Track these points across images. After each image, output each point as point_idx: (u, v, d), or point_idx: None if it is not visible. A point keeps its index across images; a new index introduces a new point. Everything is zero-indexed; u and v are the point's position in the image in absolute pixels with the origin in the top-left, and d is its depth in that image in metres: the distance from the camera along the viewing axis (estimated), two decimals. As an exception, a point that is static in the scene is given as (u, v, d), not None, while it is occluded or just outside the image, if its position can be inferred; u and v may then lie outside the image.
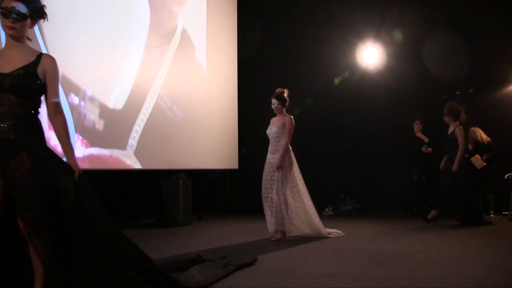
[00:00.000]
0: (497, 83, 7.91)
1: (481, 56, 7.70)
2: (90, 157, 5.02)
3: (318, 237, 4.94)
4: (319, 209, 7.88)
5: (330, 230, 5.15)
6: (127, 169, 5.69)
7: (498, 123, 7.62)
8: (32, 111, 2.30)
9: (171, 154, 6.38)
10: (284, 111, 5.03)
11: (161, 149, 6.21)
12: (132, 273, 2.30)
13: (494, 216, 7.01)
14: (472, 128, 7.32)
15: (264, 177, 4.95)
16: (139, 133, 5.79)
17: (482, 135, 7.26)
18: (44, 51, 4.37)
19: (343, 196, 7.95)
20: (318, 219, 5.02)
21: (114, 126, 5.40)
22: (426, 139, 7.18)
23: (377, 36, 8.28)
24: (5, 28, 2.26)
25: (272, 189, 4.83)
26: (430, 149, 7.05)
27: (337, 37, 8.38)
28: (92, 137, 5.03)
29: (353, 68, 8.46)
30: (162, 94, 6.25)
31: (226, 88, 8.00)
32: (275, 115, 5.09)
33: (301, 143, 8.18)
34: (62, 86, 4.63)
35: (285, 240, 4.80)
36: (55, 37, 4.57)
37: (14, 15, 2.23)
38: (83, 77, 4.95)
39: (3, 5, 2.23)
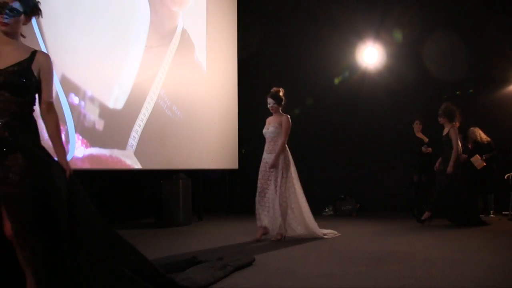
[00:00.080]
0: (497, 83, 7.91)
1: (481, 56, 7.71)
2: (90, 157, 5.02)
3: (317, 237, 4.94)
4: (319, 209, 7.94)
5: (325, 231, 5.12)
6: (127, 169, 5.69)
7: (498, 123, 7.62)
8: (27, 109, 2.26)
9: (171, 154, 6.38)
10: (280, 111, 5.01)
11: (161, 149, 6.21)
12: (129, 273, 2.28)
13: (494, 216, 7.01)
14: (471, 128, 7.33)
15: (260, 176, 4.93)
16: (139, 133, 5.79)
17: (481, 135, 7.27)
18: (44, 51, 4.37)
19: (343, 196, 7.95)
20: (313, 220, 4.99)
21: (114, 126, 5.40)
22: (426, 139, 7.17)
23: (377, 36, 8.29)
24: None
25: (269, 189, 4.81)
26: (430, 149, 7.05)
27: (337, 37, 8.38)
28: (92, 137, 5.03)
29: (353, 68, 8.46)
30: (162, 94, 6.25)
31: (226, 88, 8.00)
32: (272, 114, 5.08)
33: (301, 143, 8.21)
34: (62, 86, 4.64)
35: (285, 240, 4.79)
36: (55, 37, 4.57)
37: (7, 11, 2.19)
38: (83, 77, 4.95)
39: None
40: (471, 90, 7.91)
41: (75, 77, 4.84)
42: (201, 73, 7.24)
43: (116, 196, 6.58)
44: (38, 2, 2.36)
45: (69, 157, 4.65)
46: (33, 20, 4.21)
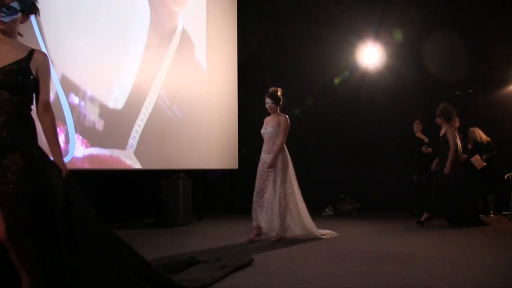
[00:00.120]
0: (497, 83, 7.92)
1: (481, 56, 7.71)
2: (90, 157, 5.02)
3: (317, 237, 4.93)
4: (319, 209, 7.94)
5: (323, 231, 5.10)
6: (127, 169, 5.69)
7: (498, 123, 7.62)
8: (24, 108, 2.25)
9: (171, 154, 6.38)
10: (278, 110, 4.98)
11: (161, 149, 6.21)
12: (126, 272, 2.27)
13: (494, 216, 7.01)
14: (471, 128, 7.33)
15: (258, 176, 4.89)
16: (139, 133, 5.79)
17: (481, 135, 7.27)
18: (44, 51, 4.36)
19: (343, 196, 7.95)
20: (310, 220, 4.97)
21: (114, 126, 5.40)
22: (426, 139, 7.18)
23: (377, 36, 8.29)
24: None
25: (267, 189, 4.79)
26: (430, 149, 7.05)
27: (337, 37, 8.39)
28: (92, 137, 5.03)
29: (353, 68, 8.46)
30: (162, 94, 6.25)
31: (226, 88, 8.00)
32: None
33: (301, 143, 8.21)
34: (62, 86, 4.64)
35: (285, 240, 4.79)
36: (55, 37, 4.57)
37: (4, 10, 2.18)
38: (83, 77, 4.94)
39: None
40: (471, 90, 7.91)
41: (75, 77, 4.84)
42: (201, 73, 7.24)
43: (116, 196, 6.58)
44: (36, 0, 2.34)
45: (69, 157, 4.66)
46: (33, 20, 4.24)
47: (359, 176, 8.11)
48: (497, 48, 7.70)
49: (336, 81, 8.51)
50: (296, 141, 8.03)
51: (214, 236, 5.44)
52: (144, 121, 5.89)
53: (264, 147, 4.97)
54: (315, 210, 7.77)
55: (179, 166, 6.53)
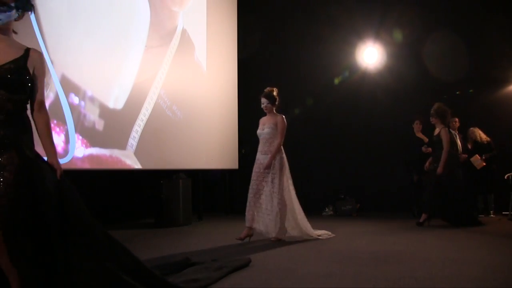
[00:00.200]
0: (497, 83, 7.92)
1: (481, 56, 7.71)
2: (90, 157, 5.02)
3: (317, 238, 4.93)
4: (319, 209, 7.95)
5: (319, 232, 5.06)
6: (127, 169, 5.69)
7: (498, 123, 7.62)
8: (21, 107, 2.23)
9: (171, 154, 6.38)
10: (274, 111, 4.94)
11: (161, 149, 6.21)
12: (120, 273, 2.25)
13: (494, 216, 7.01)
14: (471, 128, 7.34)
15: (254, 178, 4.84)
16: (139, 133, 5.79)
17: (481, 135, 7.28)
18: (44, 51, 4.37)
19: (343, 196, 7.95)
20: (306, 221, 4.94)
21: (114, 126, 5.40)
22: (426, 139, 7.17)
23: (377, 36, 8.29)
24: None
25: (264, 190, 4.75)
26: (430, 149, 7.04)
27: (337, 37, 8.39)
28: (92, 137, 5.03)
29: (353, 68, 8.46)
30: (162, 94, 6.25)
31: (226, 88, 8.00)
32: None
33: (301, 143, 8.22)
34: (62, 86, 4.64)
35: (285, 240, 4.79)
36: (55, 37, 4.57)
37: None
38: (83, 77, 4.95)
39: None
40: (471, 90, 7.91)
41: (75, 77, 4.84)
42: (201, 73, 7.24)
43: (116, 196, 6.59)
44: None
45: (69, 157, 4.67)
46: (33, 20, 4.25)
47: (359, 176, 8.11)
48: (497, 48, 7.70)
49: (336, 81, 8.51)
50: (296, 141, 8.05)
51: (214, 236, 5.44)
52: (144, 121, 5.89)
53: (260, 148, 4.92)
54: (315, 210, 7.81)
55: (179, 166, 6.53)
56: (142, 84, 5.90)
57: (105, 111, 5.25)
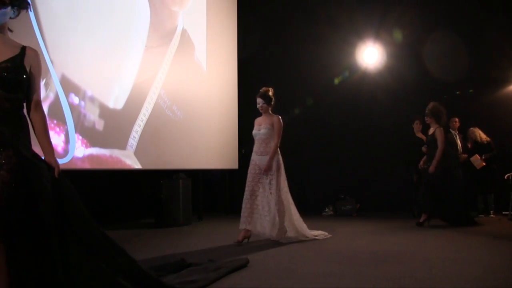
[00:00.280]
0: (497, 83, 7.92)
1: (481, 56, 7.71)
2: (90, 157, 5.02)
3: (314, 238, 4.91)
4: (319, 209, 7.95)
5: (316, 232, 5.03)
6: (127, 169, 5.69)
7: (498, 123, 7.62)
8: (18, 106, 2.21)
9: (171, 154, 6.38)
10: (270, 111, 4.88)
11: (161, 149, 6.21)
12: (115, 275, 2.24)
13: (494, 216, 7.01)
14: (471, 128, 7.34)
15: (250, 179, 4.77)
16: (139, 133, 5.79)
17: (481, 135, 7.28)
18: (44, 51, 4.38)
19: (343, 196, 7.95)
20: (301, 222, 4.92)
21: (114, 126, 5.40)
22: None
23: (377, 36, 8.29)
24: None
25: (259, 192, 4.70)
26: (430, 149, 7.05)
27: (337, 37, 8.39)
28: (92, 137, 5.04)
29: (353, 68, 8.47)
30: (162, 94, 6.25)
31: (226, 88, 8.00)
32: None
33: (301, 143, 8.22)
34: (62, 86, 4.64)
35: (284, 240, 4.78)
36: (55, 37, 4.57)
37: None
38: (83, 77, 4.95)
39: None
40: (471, 90, 7.91)
41: (75, 77, 4.84)
42: (201, 73, 7.25)
43: (116, 196, 6.59)
44: None
45: (69, 157, 4.67)
46: (33, 20, 4.25)
47: (359, 176, 8.11)
48: (497, 48, 7.70)
49: (336, 81, 8.52)
50: (296, 141, 8.06)
51: (214, 236, 5.44)
52: (144, 121, 5.90)
53: (256, 149, 4.84)
54: (315, 210, 7.82)
55: (179, 166, 6.53)
56: (142, 84, 5.91)
57: (105, 111, 5.25)
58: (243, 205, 4.76)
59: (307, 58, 8.52)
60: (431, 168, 5.90)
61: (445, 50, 7.80)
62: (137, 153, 5.74)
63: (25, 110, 2.28)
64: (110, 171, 5.60)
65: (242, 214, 4.74)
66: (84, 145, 4.92)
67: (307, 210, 7.01)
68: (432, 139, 6.08)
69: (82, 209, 2.28)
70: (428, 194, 5.97)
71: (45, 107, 4.28)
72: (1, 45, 2.18)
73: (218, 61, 7.75)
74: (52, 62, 4.51)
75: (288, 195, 4.86)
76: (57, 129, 4.56)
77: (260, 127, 4.84)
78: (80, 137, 4.88)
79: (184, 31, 6.80)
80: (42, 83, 4.35)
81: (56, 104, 4.56)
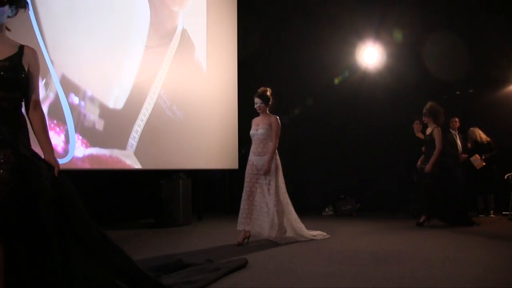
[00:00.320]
0: (497, 83, 7.92)
1: (481, 56, 7.71)
2: (90, 157, 5.02)
3: (312, 238, 4.90)
4: (319, 209, 7.94)
5: (314, 232, 5.03)
6: (127, 169, 5.69)
7: (498, 123, 7.62)
8: (16, 105, 2.20)
9: (171, 154, 6.38)
10: (267, 111, 4.84)
11: (161, 149, 6.21)
12: (111, 275, 2.24)
13: (494, 216, 7.01)
14: (471, 128, 7.35)
15: (247, 179, 4.75)
16: (139, 133, 5.79)
17: (481, 135, 7.28)
18: (44, 51, 4.38)
19: (343, 196, 7.95)
20: (299, 221, 4.91)
21: (114, 126, 5.40)
22: (426, 139, 7.17)
23: (377, 36, 8.29)
24: None
25: (257, 192, 4.69)
26: (429, 149, 7.04)
27: (337, 37, 8.39)
28: (92, 137, 5.03)
29: (353, 68, 8.47)
30: (162, 94, 6.25)
31: (226, 88, 8.00)
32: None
33: (301, 143, 8.22)
34: (62, 86, 4.64)
35: (283, 241, 4.77)
36: (55, 37, 4.57)
37: None
38: (83, 77, 4.94)
39: None
40: (471, 90, 7.91)
41: (75, 77, 4.84)
42: (201, 73, 7.25)
43: (116, 196, 6.58)
44: None
45: (69, 157, 4.67)
46: (33, 20, 4.25)
47: (359, 176, 8.11)
48: (497, 48, 7.71)
49: (336, 81, 8.52)
50: (296, 141, 8.05)
51: (214, 236, 5.44)
52: (144, 121, 5.90)
53: (253, 149, 4.81)
54: (315, 210, 7.82)
55: (179, 166, 6.53)
56: (142, 84, 5.91)
57: (105, 111, 5.25)
58: (241, 206, 4.74)
59: (307, 58, 8.52)
60: (428, 167, 5.90)
61: (445, 50, 7.80)
62: (137, 153, 5.74)
63: (23, 109, 2.28)
64: (110, 171, 5.60)
65: (240, 215, 4.72)
66: (84, 145, 4.92)
67: (307, 210, 7.02)
68: (430, 139, 6.08)
69: (82, 209, 2.28)
70: (425, 194, 5.97)
71: (45, 107, 4.29)
72: None
73: (218, 61, 7.75)
74: (52, 62, 4.51)
75: (286, 196, 4.85)
76: (57, 129, 4.56)
77: (258, 127, 4.81)
78: (80, 137, 4.87)
79: (184, 31, 6.80)
80: (42, 83, 4.35)
81: (56, 104, 4.56)
